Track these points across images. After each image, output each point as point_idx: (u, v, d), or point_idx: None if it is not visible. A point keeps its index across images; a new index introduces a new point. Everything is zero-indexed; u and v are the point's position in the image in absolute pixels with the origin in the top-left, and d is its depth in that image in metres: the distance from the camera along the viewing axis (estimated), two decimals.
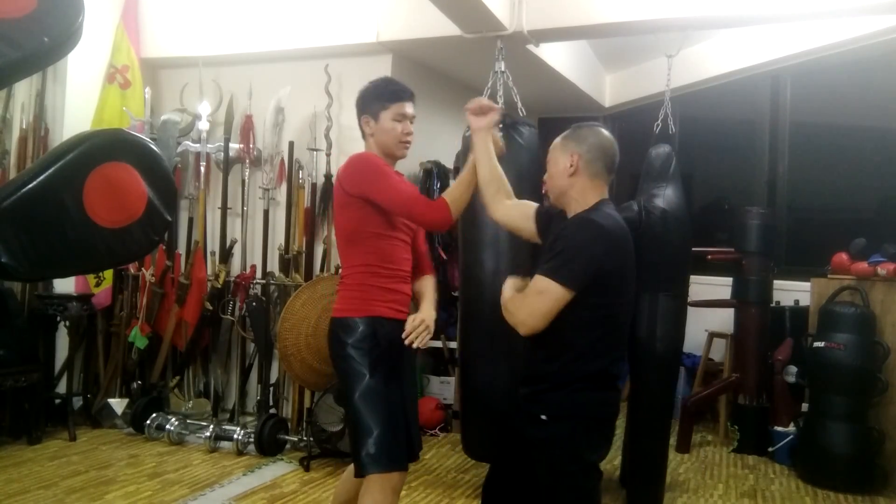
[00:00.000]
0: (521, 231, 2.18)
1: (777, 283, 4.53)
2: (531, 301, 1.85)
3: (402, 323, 2.27)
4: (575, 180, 1.94)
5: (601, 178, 1.96)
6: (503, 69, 3.68)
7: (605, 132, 2.00)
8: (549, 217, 2.10)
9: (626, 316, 1.98)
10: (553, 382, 1.89)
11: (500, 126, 3.44)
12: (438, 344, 4.69)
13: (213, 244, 4.53)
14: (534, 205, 2.19)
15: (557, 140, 2.02)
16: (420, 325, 2.16)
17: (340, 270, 2.34)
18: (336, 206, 2.31)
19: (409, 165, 4.45)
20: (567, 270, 1.81)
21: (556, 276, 1.81)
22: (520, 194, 3.38)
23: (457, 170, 4.43)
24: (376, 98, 2.29)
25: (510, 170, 3.33)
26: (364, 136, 2.34)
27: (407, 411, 2.27)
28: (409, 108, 2.30)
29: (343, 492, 2.40)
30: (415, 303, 2.40)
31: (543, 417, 1.89)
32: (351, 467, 2.31)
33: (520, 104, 3.74)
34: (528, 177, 3.39)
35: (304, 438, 3.89)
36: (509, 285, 2.00)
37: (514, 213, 2.18)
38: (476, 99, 2.23)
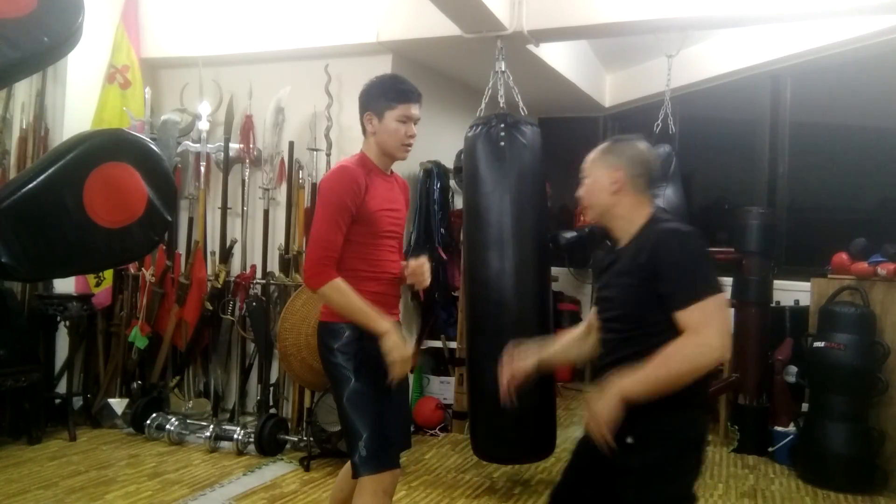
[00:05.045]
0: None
1: (777, 283, 4.53)
2: (716, 322, 1.67)
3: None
4: (619, 198, 1.86)
5: (646, 194, 1.89)
6: (504, 69, 3.68)
7: (645, 144, 1.93)
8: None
9: None
10: (640, 405, 1.70)
11: (501, 124, 3.46)
12: (438, 344, 4.70)
13: (213, 244, 4.53)
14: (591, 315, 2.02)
15: (595, 154, 1.93)
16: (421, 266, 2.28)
17: None
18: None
19: (409, 165, 4.45)
20: (705, 279, 1.71)
21: (710, 289, 1.69)
22: (521, 195, 3.34)
23: (458, 169, 4.42)
24: (383, 96, 2.22)
25: (513, 169, 3.39)
26: (364, 132, 2.28)
27: (398, 413, 2.28)
28: (415, 110, 2.24)
29: (339, 490, 2.41)
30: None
31: (629, 441, 1.73)
32: (347, 466, 2.32)
33: (521, 103, 3.74)
34: (530, 176, 3.38)
35: (304, 438, 3.89)
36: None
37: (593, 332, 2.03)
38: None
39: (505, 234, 3.28)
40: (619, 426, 1.71)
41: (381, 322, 2.12)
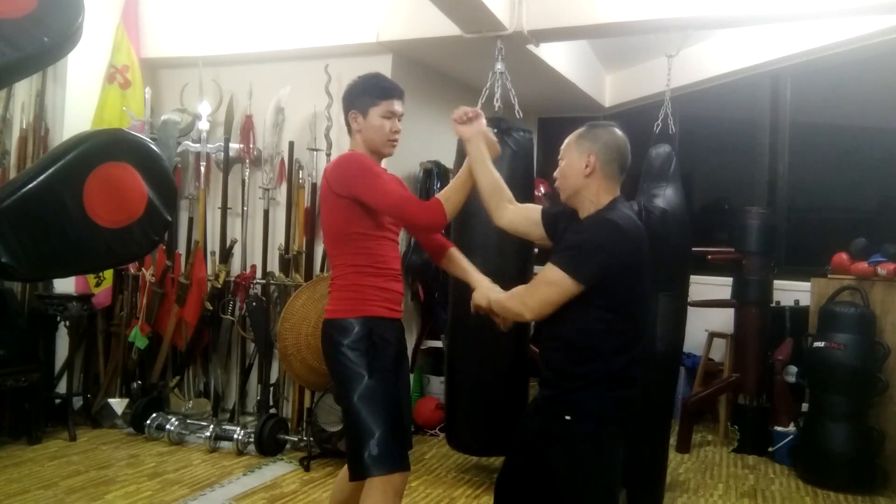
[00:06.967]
0: (529, 235, 2.19)
1: (777, 283, 4.53)
2: (541, 290, 1.88)
3: (396, 322, 2.27)
4: (590, 181, 1.95)
5: (615, 179, 1.97)
6: (502, 70, 3.68)
7: (619, 132, 2.01)
8: (556, 218, 2.10)
9: (643, 313, 2.00)
10: (578, 384, 1.91)
11: (495, 129, 3.45)
12: (438, 344, 4.69)
13: (213, 244, 4.53)
14: (538, 208, 2.19)
15: (571, 139, 2.01)
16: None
17: (331, 271, 2.31)
18: (323, 205, 2.28)
19: (409, 165, 4.45)
20: (578, 264, 1.84)
21: (567, 267, 1.84)
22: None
23: (457, 169, 4.43)
24: (366, 94, 2.26)
25: (503, 177, 3.40)
26: (350, 131, 2.31)
27: (403, 411, 2.27)
28: (398, 106, 2.28)
29: (339, 491, 2.39)
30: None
31: (567, 418, 1.91)
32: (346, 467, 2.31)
33: (517, 106, 3.74)
34: (521, 184, 3.40)
35: (304, 438, 3.89)
36: (494, 289, 2.09)
37: (518, 219, 2.19)
38: (459, 109, 2.22)
39: (489, 240, 3.34)
40: (559, 405, 1.93)
41: None
